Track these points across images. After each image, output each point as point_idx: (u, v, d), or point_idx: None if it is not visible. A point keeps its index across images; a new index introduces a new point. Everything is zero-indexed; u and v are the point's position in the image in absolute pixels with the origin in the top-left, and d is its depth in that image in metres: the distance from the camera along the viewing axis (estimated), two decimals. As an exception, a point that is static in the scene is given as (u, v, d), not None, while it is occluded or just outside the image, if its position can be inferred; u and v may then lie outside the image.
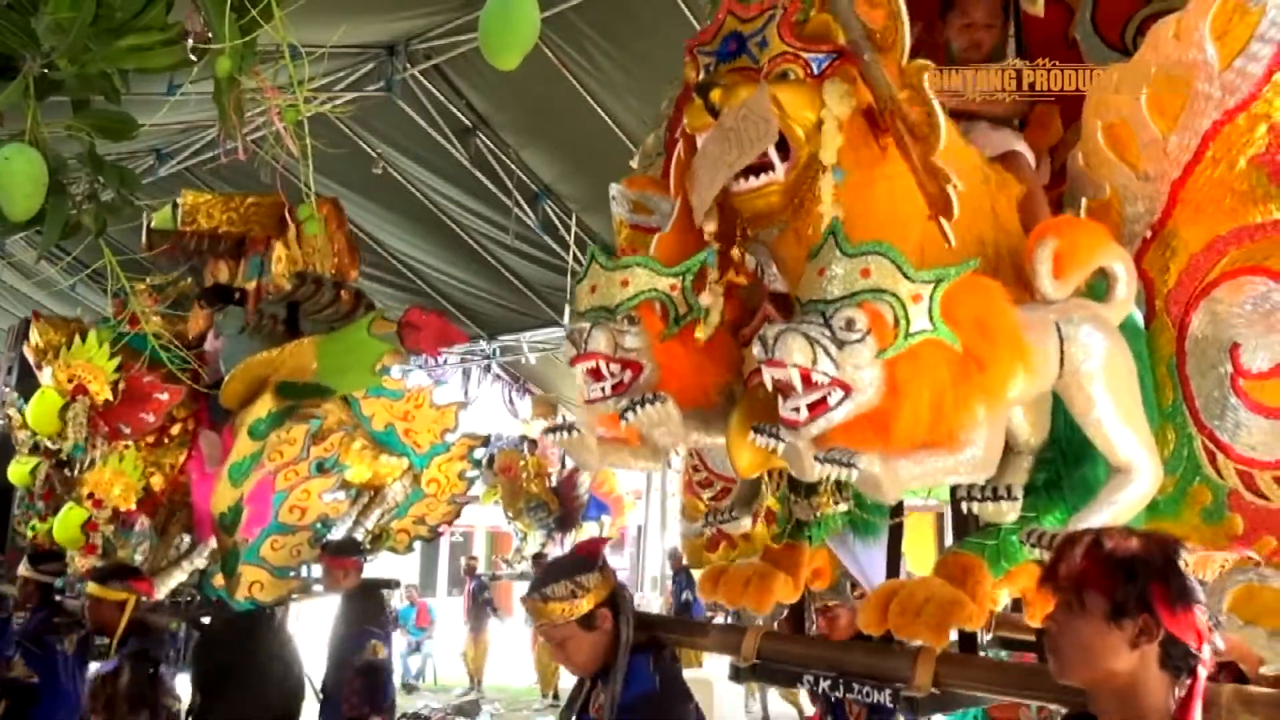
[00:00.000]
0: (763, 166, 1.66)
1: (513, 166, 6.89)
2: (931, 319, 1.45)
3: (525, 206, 7.11)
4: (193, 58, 1.77)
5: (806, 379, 1.44)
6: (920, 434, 1.48)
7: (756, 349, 1.52)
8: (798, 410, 1.47)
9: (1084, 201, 1.61)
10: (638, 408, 1.67)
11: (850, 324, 1.45)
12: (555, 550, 9.72)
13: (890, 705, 1.84)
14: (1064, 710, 1.65)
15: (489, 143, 6.80)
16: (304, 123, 1.77)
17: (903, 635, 1.69)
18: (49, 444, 5.17)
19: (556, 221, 7.27)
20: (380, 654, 4.39)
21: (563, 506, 9.35)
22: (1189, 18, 1.53)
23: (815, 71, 1.66)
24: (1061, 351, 1.53)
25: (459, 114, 6.61)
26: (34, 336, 4.52)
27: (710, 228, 1.80)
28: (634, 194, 2.12)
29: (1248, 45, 1.47)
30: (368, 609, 4.55)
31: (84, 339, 4.21)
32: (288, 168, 2.21)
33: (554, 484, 9.46)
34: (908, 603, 1.68)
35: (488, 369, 9.98)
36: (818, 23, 1.69)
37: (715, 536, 2.47)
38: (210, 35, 1.64)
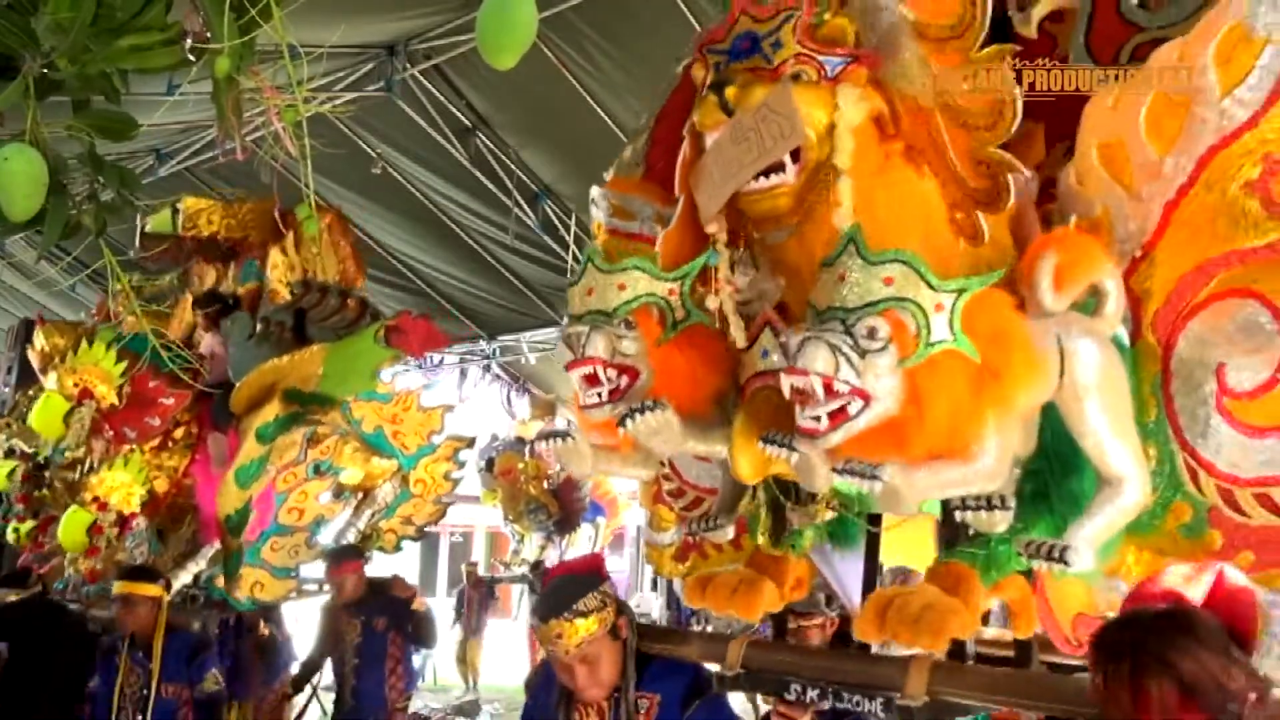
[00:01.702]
0: (774, 168, 1.65)
1: (513, 166, 6.89)
2: (952, 329, 1.46)
3: (525, 206, 7.11)
4: (192, 58, 1.77)
5: (828, 388, 1.44)
6: (937, 444, 1.48)
7: (775, 357, 1.53)
8: (818, 419, 1.47)
9: (1073, 219, 1.62)
10: (637, 415, 1.66)
11: (873, 332, 1.45)
12: (554, 552, 9.72)
13: (881, 714, 1.84)
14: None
15: (489, 143, 6.80)
16: (303, 123, 1.77)
17: (901, 642, 1.69)
18: (24, 446, 5.22)
19: (556, 221, 7.26)
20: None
21: (562, 509, 9.35)
22: (1193, 43, 1.54)
23: (829, 74, 1.66)
24: (1061, 364, 1.54)
25: (459, 114, 6.61)
26: (39, 341, 4.56)
27: (717, 230, 1.79)
28: (616, 197, 2.11)
29: (1249, 74, 1.48)
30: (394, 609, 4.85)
31: (90, 343, 4.23)
32: (287, 168, 2.22)
33: (553, 486, 9.46)
34: (904, 610, 1.68)
35: (487, 369, 9.98)
36: (833, 26, 1.70)
37: (684, 546, 2.48)
38: (209, 35, 1.64)
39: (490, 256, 8.01)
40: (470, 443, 5.14)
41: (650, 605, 9.33)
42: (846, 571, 2.30)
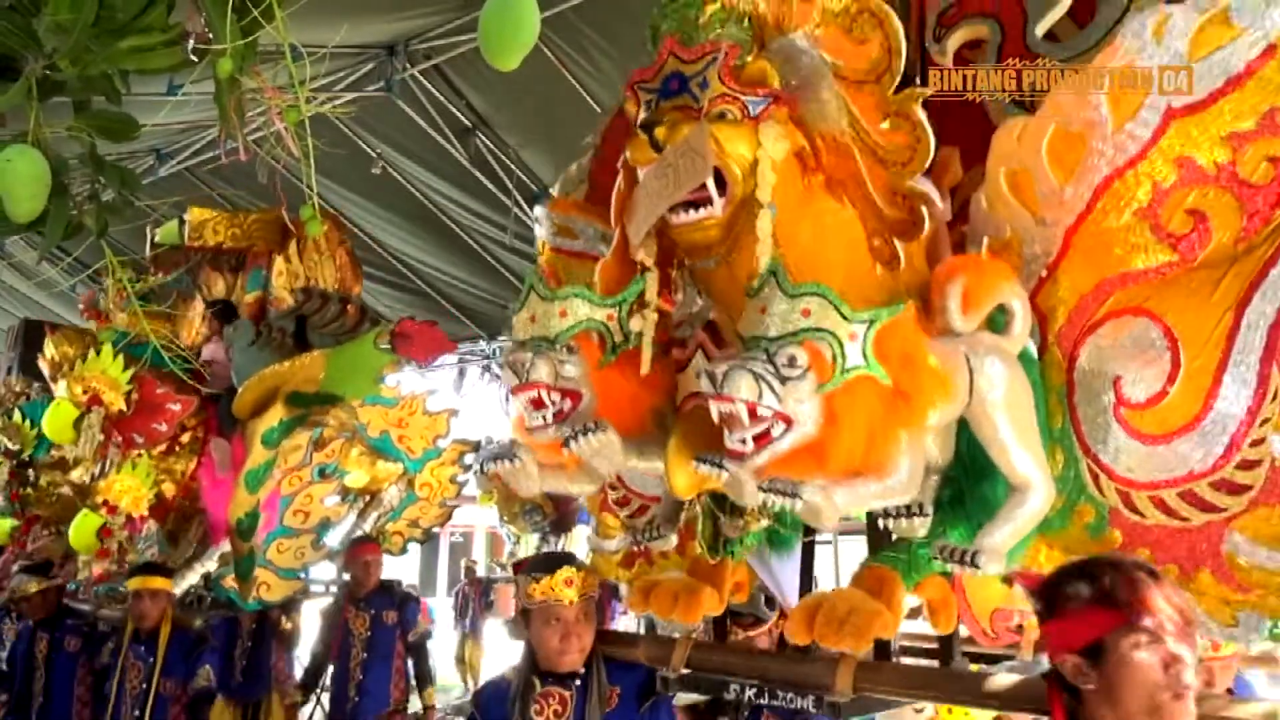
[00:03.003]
0: (702, 201, 1.75)
1: (512, 166, 6.89)
2: (865, 356, 1.56)
3: (525, 206, 7.11)
4: (193, 58, 1.78)
5: (753, 413, 1.54)
6: (854, 463, 1.58)
7: (704, 383, 1.62)
8: (744, 442, 1.57)
9: (985, 241, 1.73)
10: (580, 436, 1.74)
11: (792, 361, 1.55)
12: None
13: (813, 710, 1.98)
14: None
15: (489, 143, 6.80)
16: (304, 123, 1.78)
17: (827, 644, 1.80)
18: (9, 444, 5.27)
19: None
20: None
21: (557, 510, 9.34)
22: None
23: (752, 113, 1.76)
24: (971, 381, 1.65)
25: (459, 114, 6.61)
26: (49, 349, 4.63)
27: (644, 258, 1.88)
28: (559, 217, 2.21)
29: (1139, 112, 1.60)
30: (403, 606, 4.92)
31: (99, 352, 4.29)
32: (287, 168, 2.22)
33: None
34: (831, 614, 1.79)
35: (486, 369, 9.98)
36: (755, 68, 1.79)
37: (631, 553, 2.57)
38: (211, 36, 1.65)
39: (490, 256, 8.01)
40: (476, 446, 5.19)
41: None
42: (784, 574, 2.42)
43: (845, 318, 1.56)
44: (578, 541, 9.93)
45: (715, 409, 1.59)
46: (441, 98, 6.48)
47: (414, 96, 6.40)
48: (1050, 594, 1.52)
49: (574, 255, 2.17)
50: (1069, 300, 1.73)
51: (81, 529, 4.27)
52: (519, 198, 7.03)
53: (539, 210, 2.26)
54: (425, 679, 4.99)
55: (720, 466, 1.61)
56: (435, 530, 5.29)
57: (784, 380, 1.54)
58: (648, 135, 1.77)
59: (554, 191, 2.42)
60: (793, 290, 1.59)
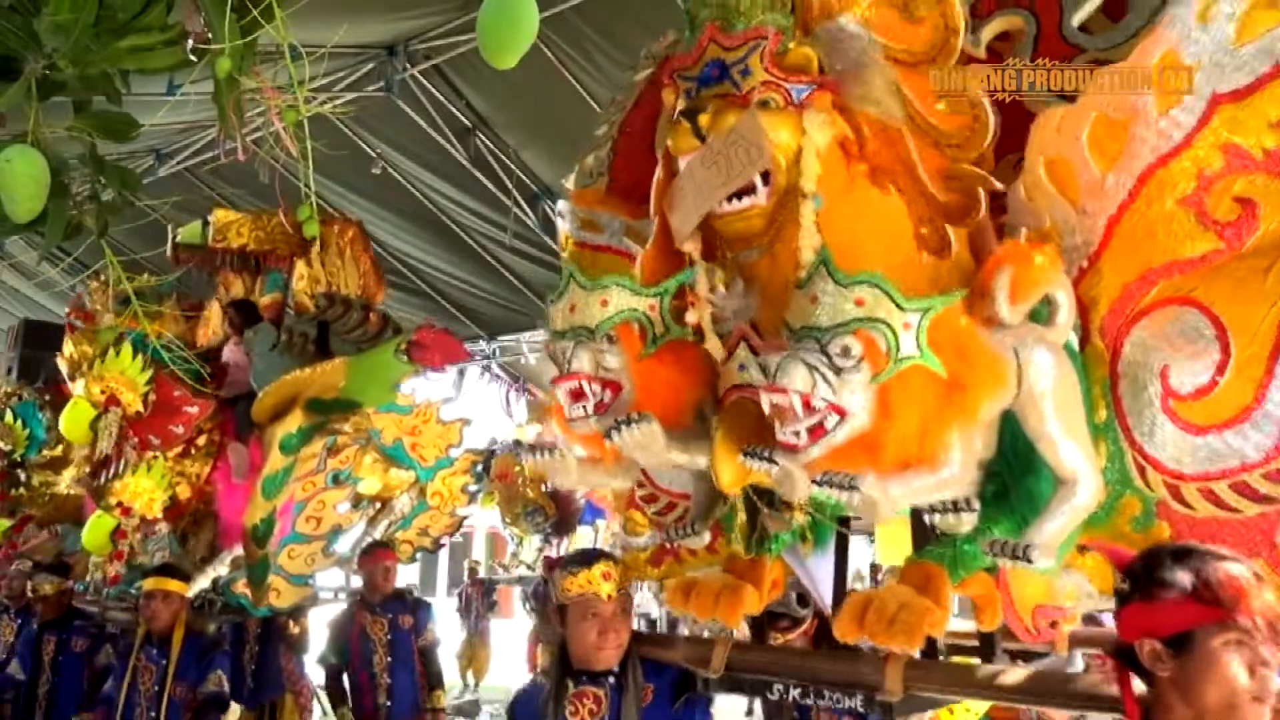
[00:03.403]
0: (746, 190, 1.72)
1: (512, 166, 6.89)
2: (919, 346, 1.54)
3: (525, 206, 7.11)
4: (193, 58, 1.78)
5: (806, 404, 1.52)
6: (907, 455, 1.56)
7: (754, 374, 1.59)
8: (798, 434, 1.54)
9: (1023, 231, 1.70)
10: (623, 427, 1.71)
11: (846, 351, 1.52)
12: (552, 555, 9.72)
13: (861, 711, 1.93)
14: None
15: (489, 143, 6.80)
16: (304, 123, 1.78)
17: (878, 642, 1.77)
18: (2, 444, 5.27)
19: (556, 221, 7.25)
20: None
21: (559, 512, 9.34)
22: (1130, 68, 1.63)
23: (795, 100, 1.73)
24: (1018, 372, 1.62)
25: (459, 114, 6.61)
26: (68, 348, 4.62)
27: (692, 248, 1.85)
28: (584, 211, 2.18)
29: (1183, 98, 1.57)
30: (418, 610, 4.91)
31: (118, 351, 4.28)
32: (288, 168, 2.22)
33: (550, 489, 9.45)
34: (881, 611, 1.75)
35: (487, 369, 9.98)
36: (798, 54, 1.76)
37: (660, 551, 2.53)
38: (210, 36, 1.65)
39: (490, 256, 8.01)
40: (488, 456, 5.20)
41: (649, 606, 9.34)
42: (819, 570, 2.38)
43: (899, 306, 1.53)
44: (580, 543, 9.92)
45: (767, 400, 1.56)
46: (441, 98, 6.47)
47: (414, 96, 6.40)
48: (1144, 576, 1.46)
49: (599, 249, 2.12)
50: (1112, 291, 1.70)
51: (95, 530, 4.25)
52: (519, 198, 7.03)
53: (562, 204, 2.23)
54: (434, 682, 4.95)
55: (770, 460, 1.58)
56: (445, 539, 5.28)
57: (838, 371, 1.51)
58: (690, 123, 1.74)
59: (569, 184, 2.36)
60: (845, 279, 1.56)
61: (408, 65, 6.19)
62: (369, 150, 6.92)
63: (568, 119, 6.19)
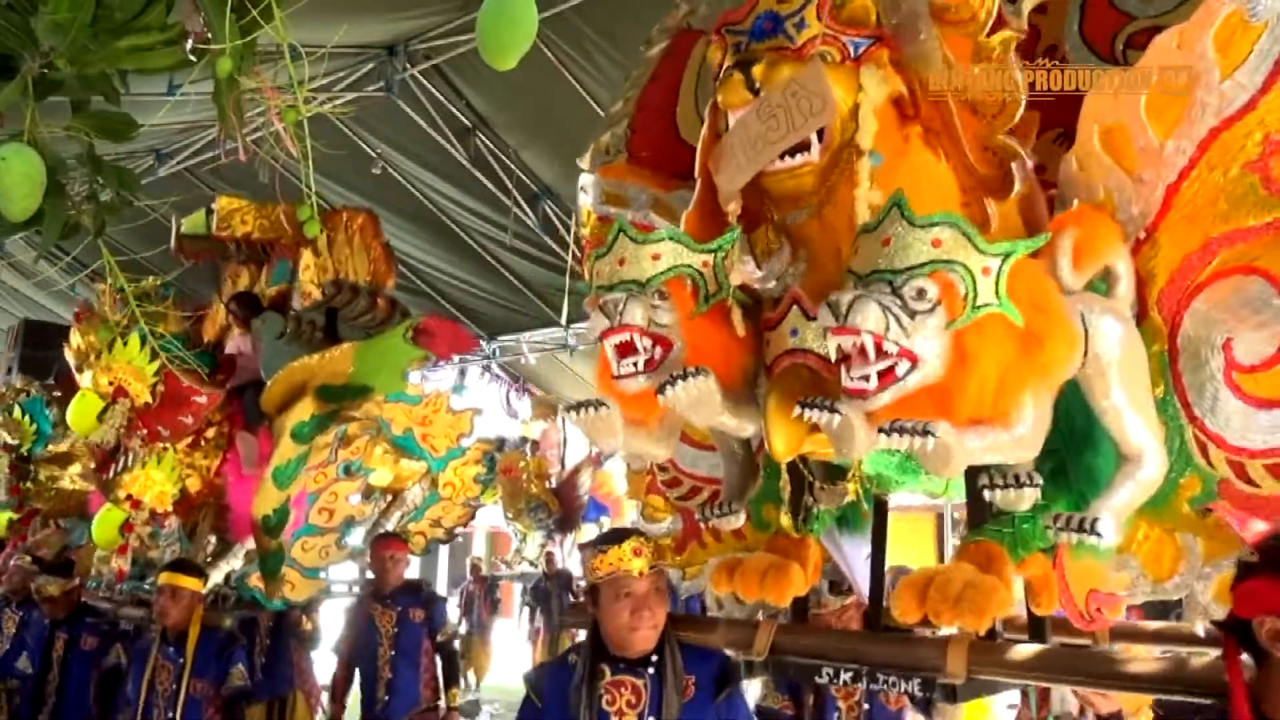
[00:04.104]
0: (800, 147, 1.64)
1: (512, 166, 6.89)
2: (997, 293, 1.45)
3: (525, 206, 7.11)
4: (192, 58, 1.76)
5: (878, 347, 1.42)
6: (981, 409, 1.47)
7: (810, 335, 1.51)
8: (867, 379, 1.44)
9: (1075, 203, 1.64)
10: (679, 382, 1.61)
11: (921, 294, 1.43)
12: (556, 551, 9.71)
13: (920, 694, 1.83)
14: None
15: (489, 143, 6.80)
16: (304, 123, 1.77)
17: (942, 622, 1.67)
18: (8, 439, 5.26)
19: (556, 221, 7.27)
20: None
21: (563, 508, 9.34)
22: (1192, 29, 1.56)
23: (853, 55, 1.65)
24: (1085, 340, 1.54)
25: (459, 114, 6.61)
26: (75, 338, 4.58)
27: (734, 208, 1.77)
28: (609, 183, 2.08)
29: (1247, 58, 1.51)
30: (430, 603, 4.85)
31: (125, 342, 4.24)
32: (287, 168, 2.21)
33: (554, 485, 9.45)
34: (945, 590, 1.65)
35: (487, 368, 9.98)
36: (856, 6, 1.69)
37: (684, 536, 2.44)
38: (210, 35, 1.64)
39: (490, 256, 8.01)
40: (500, 445, 5.17)
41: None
42: (854, 553, 2.30)
43: (980, 250, 1.44)
44: (584, 541, 9.91)
45: (834, 342, 1.46)
46: (441, 98, 6.47)
47: (414, 96, 6.40)
48: (1277, 552, 1.41)
49: None
50: (1170, 262, 1.63)
51: (104, 524, 4.20)
52: (519, 198, 7.03)
53: (585, 178, 2.13)
54: (451, 679, 4.87)
55: (832, 410, 1.48)
56: (458, 530, 5.25)
57: (912, 314, 1.42)
58: (744, 75, 1.65)
59: (583, 164, 2.27)
60: (920, 220, 1.46)
61: (408, 65, 6.18)
62: (369, 150, 6.91)
63: (568, 119, 6.19)
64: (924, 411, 1.44)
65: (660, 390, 1.63)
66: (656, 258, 1.72)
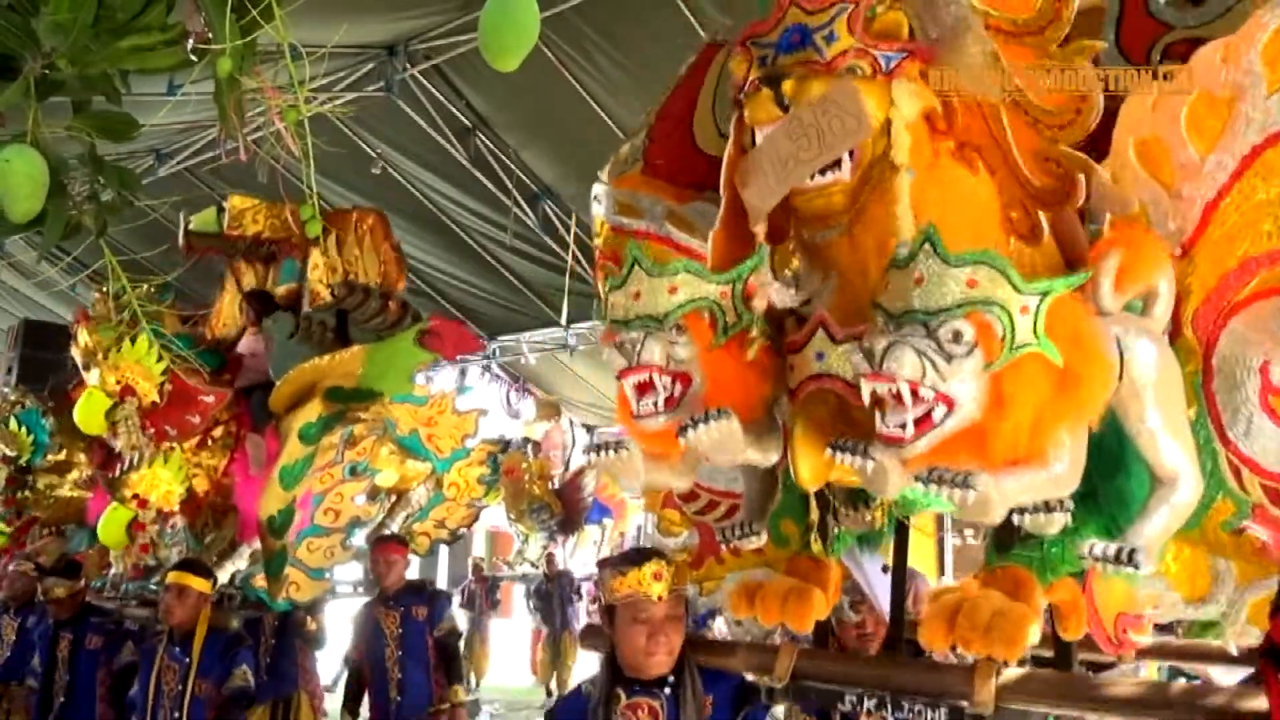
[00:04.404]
0: (830, 165, 1.60)
1: (512, 166, 6.89)
2: (1036, 332, 1.41)
3: (525, 206, 7.11)
4: (193, 58, 1.77)
5: (915, 394, 1.39)
6: (1017, 451, 1.43)
7: (839, 364, 1.48)
8: (903, 426, 1.42)
9: (1108, 217, 1.59)
10: (700, 425, 1.59)
11: (958, 336, 1.40)
12: (558, 552, 9.71)
13: None
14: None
15: (489, 143, 6.80)
16: (304, 123, 1.77)
17: (972, 651, 1.64)
18: (6, 450, 5.25)
19: (556, 222, 7.27)
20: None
21: (565, 509, 9.34)
22: (1239, 42, 1.53)
23: (885, 69, 1.61)
24: (1120, 363, 1.50)
25: (459, 114, 6.61)
26: (82, 337, 4.57)
27: (761, 229, 1.73)
28: (623, 194, 2.04)
29: None
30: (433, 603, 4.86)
31: (133, 341, 4.24)
32: (288, 168, 2.21)
33: (557, 486, 9.45)
34: (974, 617, 1.62)
35: (487, 368, 9.98)
36: (888, 19, 1.64)
37: (700, 551, 2.40)
38: (211, 35, 1.64)
39: (490, 256, 8.02)
40: (505, 447, 5.16)
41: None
42: (874, 573, 2.28)
43: (1017, 289, 1.40)
44: (586, 542, 9.91)
45: (868, 388, 1.42)
46: (441, 98, 6.48)
47: (414, 96, 6.40)
48: None
49: (635, 235, 1.97)
50: (1207, 281, 1.59)
51: (111, 523, 4.18)
52: (519, 198, 7.03)
53: (598, 188, 2.09)
54: (453, 676, 4.87)
55: (865, 455, 1.45)
56: (462, 531, 5.25)
57: (949, 358, 1.38)
58: (773, 90, 1.60)
59: (604, 175, 2.22)
60: (954, 259, 1.42)
61: (408, 65, 6.19)
62: (369, 150, 6.92)
63: (568, 119, 6.19)
64: (958, 455, 1.42)
65: (681, 433, 1.61)
66: (673, 290, 1.68)
